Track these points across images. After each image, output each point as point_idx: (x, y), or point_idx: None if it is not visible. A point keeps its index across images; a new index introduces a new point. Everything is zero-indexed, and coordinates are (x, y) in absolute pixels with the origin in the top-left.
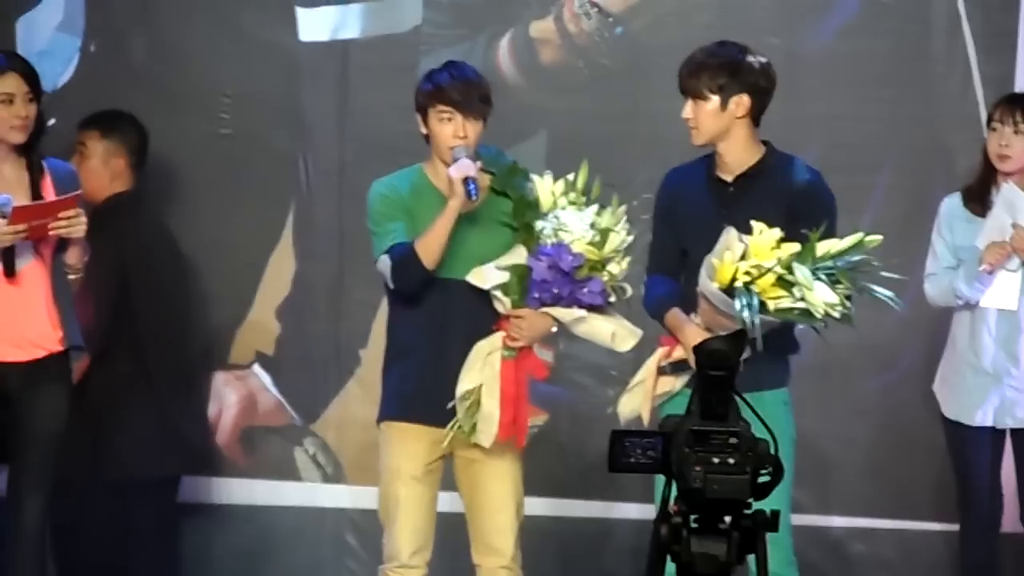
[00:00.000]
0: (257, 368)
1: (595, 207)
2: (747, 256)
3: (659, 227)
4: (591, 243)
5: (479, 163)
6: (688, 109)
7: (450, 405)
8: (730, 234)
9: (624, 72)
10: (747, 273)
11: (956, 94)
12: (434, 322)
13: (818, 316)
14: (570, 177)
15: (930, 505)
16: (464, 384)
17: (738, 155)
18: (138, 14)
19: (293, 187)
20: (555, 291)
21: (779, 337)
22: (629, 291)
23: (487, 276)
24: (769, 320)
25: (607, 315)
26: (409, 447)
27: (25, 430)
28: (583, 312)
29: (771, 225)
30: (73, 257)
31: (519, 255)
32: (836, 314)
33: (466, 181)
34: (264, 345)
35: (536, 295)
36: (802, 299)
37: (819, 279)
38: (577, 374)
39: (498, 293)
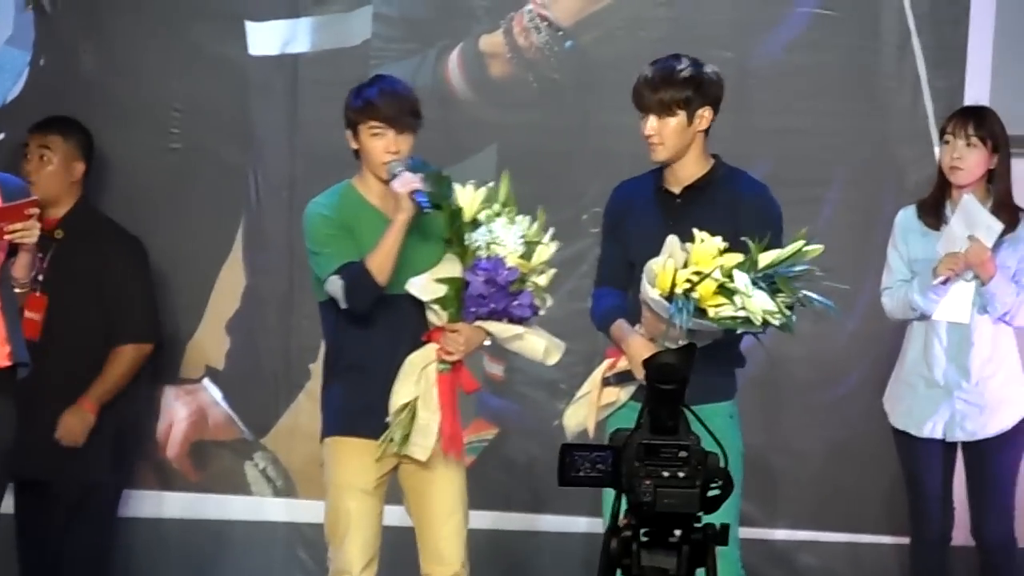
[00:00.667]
0: (207, 382)
1: (526, 220)
2: (688, 264)
3: (606, 240)
4: (522, 256)
5: (420, 175)
6: (651, 126)
7: (389, 420)
8: (672, 241)
9: (574, 86)
10: (687, 280)
11: (906, 108)
12: (383, 338)
13: (756, 323)
14: (491, 184)
15: (880, 518)
16: (399, 397)
17: (690, 168)
18: (88, 28)
19: (243, 201)
20: (492, 306)
21: (726, 350)
22: (549, 302)
23: (426, 288)
24: (707, 326)
25: (533, 329)
26: (357, 461)
27: None
28: (520, 328)
29: (716, 236)
30: (21, 270)
31: (453, 268)
32: (775, 322)
33: (415, 193)
34: (214, 360)
35: (472, 309)
36: (743, 307)
37: (759, 287)
38: (526, 388)
39: (435, 307)
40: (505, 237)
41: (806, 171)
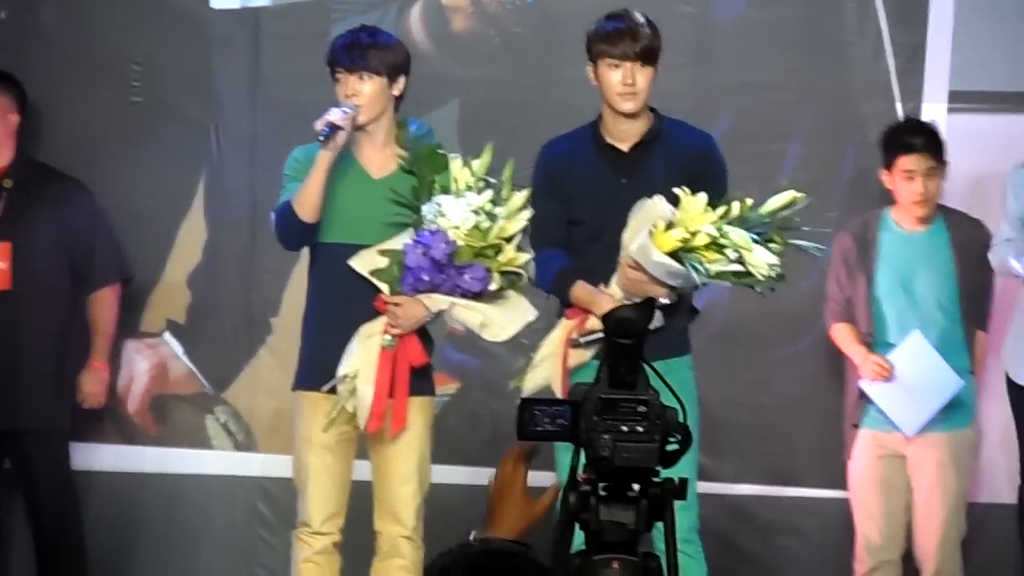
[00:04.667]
0: (168, 336)
1: (488, 193)
2: (677, 223)
3: (543, 200)
4: (476, 228)
5: (353, 114)
6: (632, 74)
7: (327, 386)
8: (658, 202)
9: (535, 40)
10: (683, 240)
11: (868, 63)
12: (340, 289)
13: (761, 277)
14: (475, 163)
15: (838, 473)
16: (343, 367)
17: (639, 123)
18: None
19: (204, 155)
20: (426, 279)
21: (680, 304)
22: (525, 277)
23: (369, 260)
24: (721, 284)
25: (488, 302)
26: (319, 417)
27: None
28: (450, 300)
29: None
30: None
31: (404, 239)
32: (774, 274)
33: (325, 127)
34: (175, 313)
35: (410, 281)
36: (738, 260)
37: (755, 240)
38: (487, 343)
39: (375, 280)
40: (451, 210)
41: (767, 126)
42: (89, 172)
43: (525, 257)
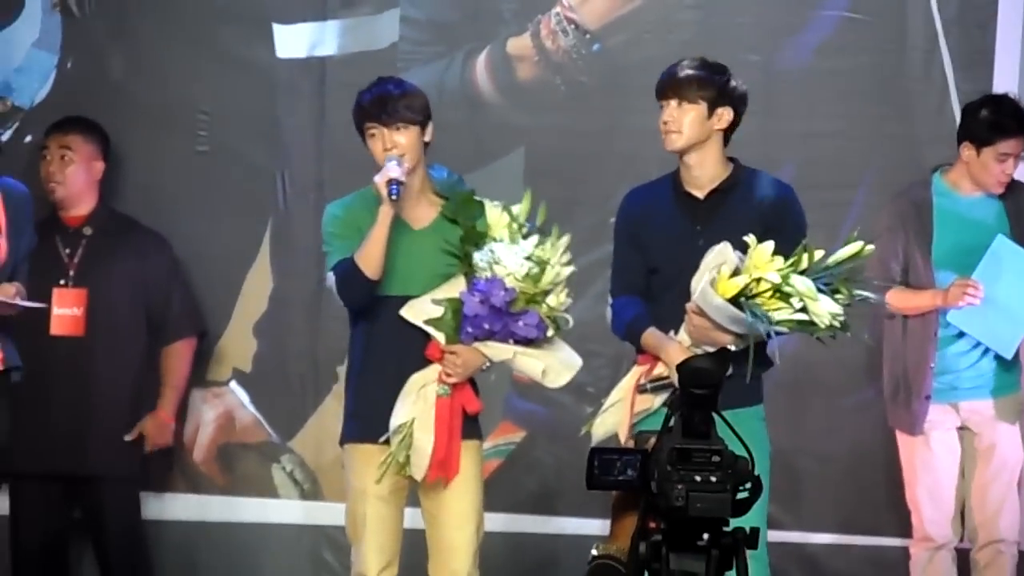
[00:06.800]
0: (234, 385)
1: (534, 239)
2: (743, 270)
3: (623, 248)
4: (528, 275)
5: (406, 166)
6: (670, 112)
7: (383, 439)
8: (724, 249)
9: (601, 89)
10: (748, 287)
11: (933, 111)
12: (388, 342)
13: (822, 326)
14: (515, 209)
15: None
16: (397, 417)
17: (710, 169)
18: (115, 31)
19: (270, 204)
20: (486, 327)
21: (744, 353)
22: (570, 322)
23: (421, 310)
24: (781, 331)
25: (544, 348)
26: (372, 468)
27: None
28: (512, 349)
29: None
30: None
31: (458, 287)
32: (838, 324)
33: (390, 183)
34: (241, 362)
35: (469, 330)
36: (802, 310)
37: (820, 290)
38: (554, 391)
39: (430, 329)
40: (506, 257)
41: (833, 174)
42: (156, 220)
43: (569, 301)
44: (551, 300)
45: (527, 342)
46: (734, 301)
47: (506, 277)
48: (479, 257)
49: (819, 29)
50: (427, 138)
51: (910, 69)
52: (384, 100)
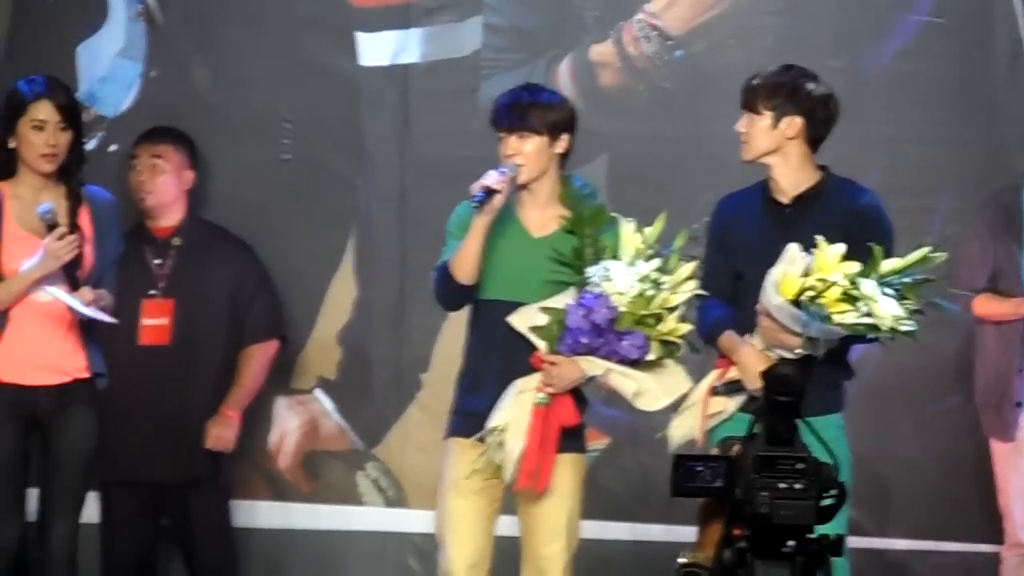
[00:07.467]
0: (319, 393)
1: (656, 262)
2: (811, 271)
3: (712, 252)
4: (640, 296)
5: (509, 174)
6: (742, 122)
7: (478, 435)
8: (792, 249)
9: (685, 95)
10: (811, 287)
11: (1018, 116)
12: (497, 345)
13: (884, 329)
14: (647, 230)
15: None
16: (494, 419)
17: (792, 176)
18: (199, 40)
19: (353, 212)
20: (584, 341)
21: (835, 362)
22: (682, 349)
23: (528, 317)
24: (834, 332)
25: (646, 370)
26: (466, 463)
27: (55, 454)
28: (607, 366)
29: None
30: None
31: (569, 298)
32: (902, 328)
33: (481, 190)
34: (326, 370)
35: (568, 342)
36: (868, 314)
37: (885, 294)
38: None
39: (533, 337)
40: (618, 276)
41: (917, 180)
42: (240, 229)
43: (686, 328)
44: (662, 326)
45: (630, 363)
46: (796, 302)
47: (614, 295)
48: (592, 271)
49: (902, 34)
50: (558, 149)
51: (994, 74)
52: (511, 106)
